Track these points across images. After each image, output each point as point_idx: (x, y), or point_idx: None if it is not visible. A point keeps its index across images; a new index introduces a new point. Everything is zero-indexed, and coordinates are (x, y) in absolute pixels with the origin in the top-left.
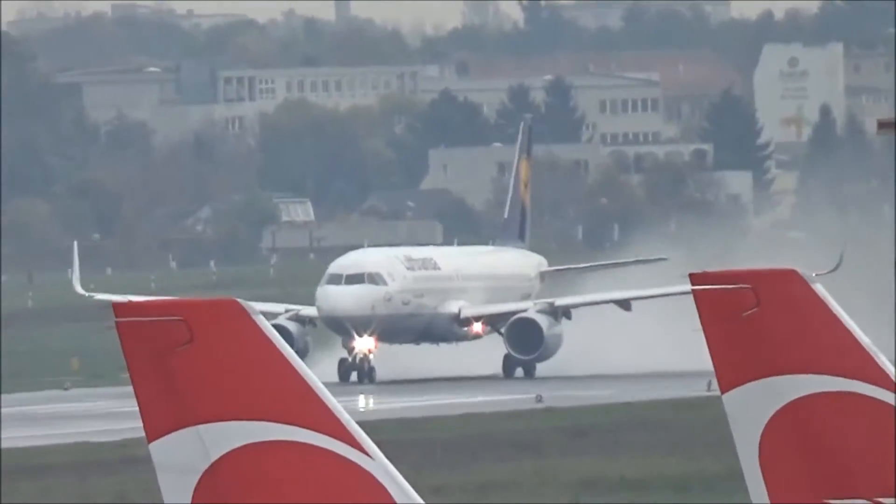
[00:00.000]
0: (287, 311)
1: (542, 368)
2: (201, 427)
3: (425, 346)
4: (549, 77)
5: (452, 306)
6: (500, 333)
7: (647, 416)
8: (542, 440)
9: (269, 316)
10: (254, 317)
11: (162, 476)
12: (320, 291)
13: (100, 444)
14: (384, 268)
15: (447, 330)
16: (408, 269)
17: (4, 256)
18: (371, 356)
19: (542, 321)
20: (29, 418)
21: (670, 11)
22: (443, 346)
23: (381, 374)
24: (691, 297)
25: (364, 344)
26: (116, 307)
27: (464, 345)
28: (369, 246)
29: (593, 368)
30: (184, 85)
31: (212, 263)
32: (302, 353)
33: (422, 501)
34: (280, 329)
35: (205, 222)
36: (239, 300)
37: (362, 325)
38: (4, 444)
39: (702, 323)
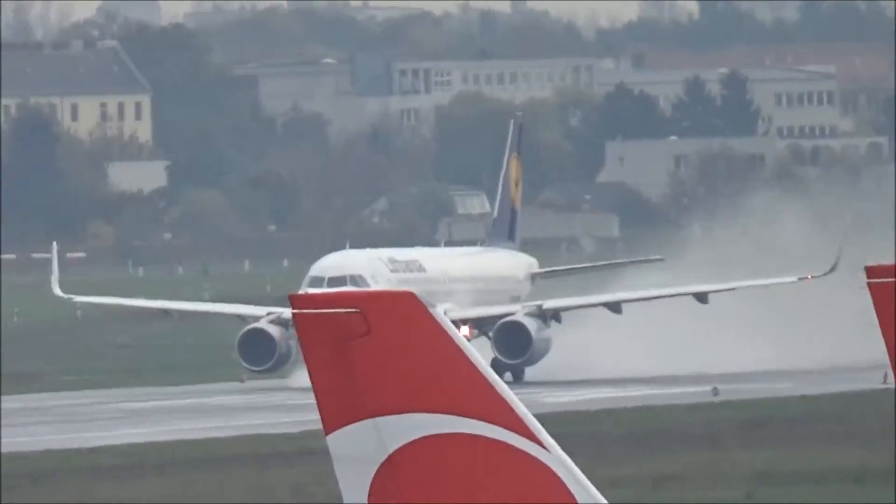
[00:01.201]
0: (269, 313)
1: (531, 373)
2: (378, 419)
3: None
4: (724, 70)
5: (438, 310)
6: (487, 337)
7: (824, 408)
8: (718, 433)
9: (249, 319)
10: (430, 309)
11: (339, 468)
12: None
13: (277, 435)
14: (367, 270)
15: None
16: (392, 271)
17: (180, 248)
18: None
19: (530, 324)
20: (206, 410)
21: (846, 4)
22: None
23: None
24: (683, 299)
25: None
26: (294, 299)
27: None
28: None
29: (584, 373)
30: (359, 77)
31: None
32: (285, 357)
33: (598, 494)
34: (260, 333)
35: (381, 214)
36: (415, 292)
37: None
38: (181, 436)
39: (877, 315)
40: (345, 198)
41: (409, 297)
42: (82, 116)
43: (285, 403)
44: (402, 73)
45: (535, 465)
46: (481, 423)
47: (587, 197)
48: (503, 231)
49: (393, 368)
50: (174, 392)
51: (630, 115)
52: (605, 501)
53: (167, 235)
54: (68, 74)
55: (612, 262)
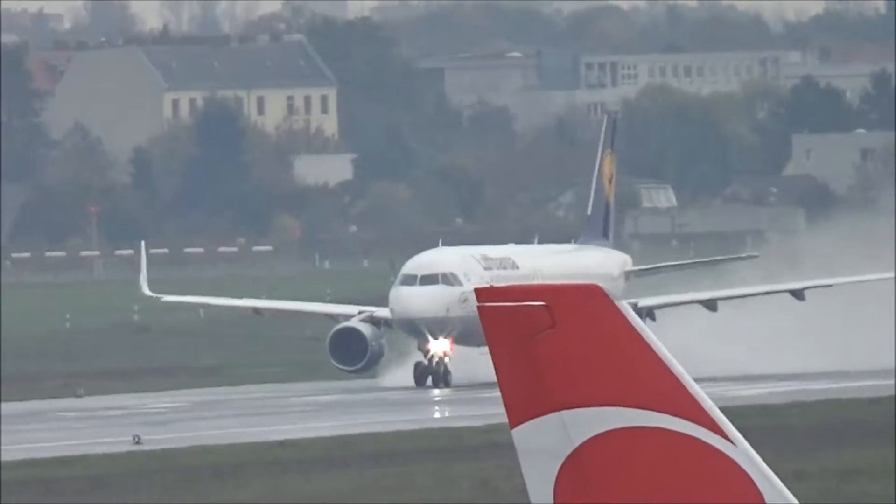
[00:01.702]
0: (360, 312)
1: None
2: (564, 413)
3: None
4: None
5: (623, 302)
6: None
7: None
8: None
9: (341, 317)
10: (616, 302)
11: (524, 461)
12: (393, 293)
13: (462, 429)
14: (460, 268)
15: None
16: (485, 268)
17: (366, 241)
18: (447, 359)
19: None
20: (390, 404)
21: None
22: None
23: (457, 377)
24: (782, 296)
25: (439, 347)
26: (479, 292)
27: None
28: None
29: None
30: (545, 70)
31: None
32: (377, 356)
33: (785, 490)
34: (351, 331)
35: (566, 207)
36: (600, 285)
37: (437, 327)
38: (367, 429)
39: None
40: (531, 191)
41: (595, 290)
42: (269, 110)
43: (473, 397)
44: (589, 66)
45: (721, 459)
46: (668, 417)
47: (773, 190)
48: (597, 228)
49: (579, 361)
50: (360, 386)
51: (817, 108)
52: (792, 497)
53: (353, 228)
54: (255, 68)
55: (706, 259)
